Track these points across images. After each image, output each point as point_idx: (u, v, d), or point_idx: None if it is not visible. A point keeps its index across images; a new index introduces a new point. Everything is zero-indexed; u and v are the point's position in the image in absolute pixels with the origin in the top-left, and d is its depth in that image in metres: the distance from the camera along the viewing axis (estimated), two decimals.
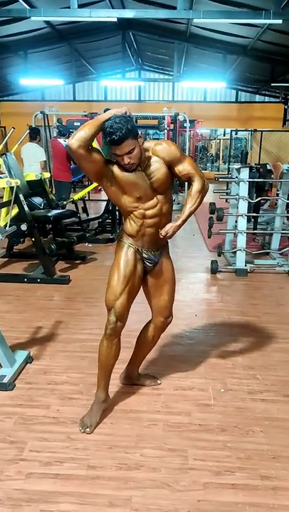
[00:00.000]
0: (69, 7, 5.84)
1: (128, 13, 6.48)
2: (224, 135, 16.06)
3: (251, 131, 12.37)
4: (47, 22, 8.75)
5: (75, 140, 1.78)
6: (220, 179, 5.49)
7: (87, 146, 1.80)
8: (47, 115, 8.81)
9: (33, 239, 4.28)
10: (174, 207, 8.11)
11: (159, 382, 2.43)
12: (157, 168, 1.92)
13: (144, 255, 2.08)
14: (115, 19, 6.50)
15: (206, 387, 2.42)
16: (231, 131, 12.35)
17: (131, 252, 2.05)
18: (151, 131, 13.23)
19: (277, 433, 2.05)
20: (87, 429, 2.03)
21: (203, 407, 2.24)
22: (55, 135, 7.78)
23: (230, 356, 2.77)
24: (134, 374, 2.39)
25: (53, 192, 6.39)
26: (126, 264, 2.03)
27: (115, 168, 1.90)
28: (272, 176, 5.09)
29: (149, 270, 2.13)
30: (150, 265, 2.11)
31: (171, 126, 9.45)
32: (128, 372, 2.38)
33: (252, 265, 4.58)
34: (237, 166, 4.64)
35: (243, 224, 4.51)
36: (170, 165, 1.94)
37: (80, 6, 5.98)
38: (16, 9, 6.92)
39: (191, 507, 1.64)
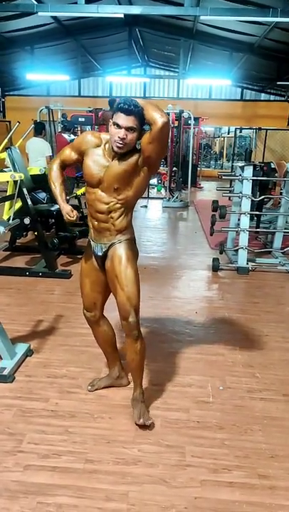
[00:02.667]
0: (76, 3, 5.83)
1: (135, 10, 6.43)
2: (228, 133, 16.00)
3: (256, 129, 12.34)
4: (54, 17, 8.72)
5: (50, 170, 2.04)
6: (223, 177, 5.49)
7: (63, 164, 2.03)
8: (52, 110, 8.81)
9: (36, 233, 4.28)
10: (176, 204, 8.16)
11: (141, 421, 1.98)
12: (124, 166, 1.87)
13: (92, 246, 2.08)
14: (122, 15, 6.47)
15: (205, 384, 2.41)
16: (236, 129, 12.33)
17: (88, 245, 2.12)
18: None
19: (276, 432, 2.05)
20: (89, 387, 2.28)
21: (202, 404, 2.24)
22: (59, 130, 7.77)
23: (230, 354, 2.76)
24: (133, 396, 2.11)
25: None
26: (84, 257, 2.15)
27: (91, 148, 1.93)
28: (276, 174, 5.07)
29: (103, 266, 2.07)
30: (98, 259, 2.06)
31: (176, 124, 9.43)
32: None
33: (253, 264, 4.57)
34: (241, 164, 4.63)
35: (245, 222, 4.50)
36: (143, 155, 1.85)
37: (87, 2, 5.97)
38: (24, 4, 6.89)
39: (188, 504, 1.64)
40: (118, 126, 1.78)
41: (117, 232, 2.00)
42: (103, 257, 2.04)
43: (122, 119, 1.77)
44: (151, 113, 1.77)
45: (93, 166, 1.92)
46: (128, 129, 1.78)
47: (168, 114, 9.05)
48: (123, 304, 1.96)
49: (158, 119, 1.74)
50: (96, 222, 2.00)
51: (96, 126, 9.71)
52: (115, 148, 1.83)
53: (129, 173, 1.89)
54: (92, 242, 2.07)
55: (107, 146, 1.90)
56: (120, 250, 1.99)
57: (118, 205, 1.95)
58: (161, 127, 1.74)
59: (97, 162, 1.91)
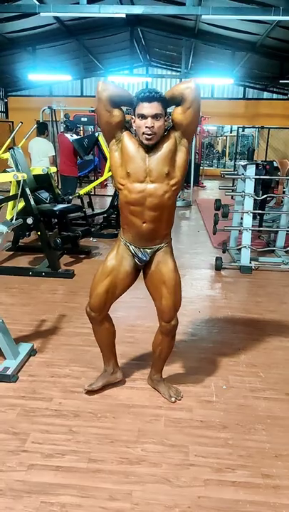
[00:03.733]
0: (78, 3, 5.83)
1: (137, 10, 6.42)
2: (231, 132, 15.98)
3: (258, 128, 12.30)
4: (56, 18, 8.72)
5: (104, 84, 1.79)
6: (226, 176, 5.47)
7: (110, 94, 1.78)
8: (54, 110, 8.81)
9: (39, 233, 4.29)
10: (179, 203, 8.12)
11: (174, 399, 2.21)
12: (165, 149, 1.83)
13: (132, 251, 2.02)
14: (124, 15, 6.47)
15: (208, 383, 2.41)
16: (238, 127, 12.29)
17: (120, 246, 2.04)
18: None
19: (279, 431, 2.05)
20: (86, 386, 2.25)
21: (205, 403, 2.24)
22: (62, 130, 7.78)
23: (233, 353, 2.76)
24: (154, 378, 2.30)
25: (59, 186, 6.39)
26: (111, 257, 2.05)
27: (126, 135, 1.87)
28: (278, 173, 5.05)
29: (144, 270, 2.07)
30: (139, 263, 2.04)
31: None
32: (150, 375, 2.35)
33: (256, 263, 4.56)
34: (243, 162, 4.62)
35: (248, 221, 4.49)
36: (180, 128, 1.84)
37: (89, 2, 5.97)
38: (26, 5, 6.90)
39: (191, 503, 1.64)
40: (143, 116, 1.76)
41: (165, 234, 2.00)
42: (144, 261, 2.03)
43: (146, 107, 1.75)
44: (179, 85, 1.80)
45: (135, 157, 1.84)
46: (154, 116, 1.76)
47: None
48: (169, 308, 2.04)
49: (189, 84, 1.78)
50: (144, 226, 1.91)
51: (98, 128, 9.72)
52: (145, 141, 1.80)
53: (174, 152, 1.86)
54: (131, 247, 2.01)
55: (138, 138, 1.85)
56: (168, 255, 2.04)
57: (173, 194, 1.91)
58: (195, 87, 1.77)
59: (137, 153, 1.84)
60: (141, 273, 2.12)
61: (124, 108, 1.89)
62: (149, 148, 1.84)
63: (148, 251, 2.01)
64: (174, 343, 2.22)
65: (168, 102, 1.81)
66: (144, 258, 2.02)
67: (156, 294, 2.06)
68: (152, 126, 1.76)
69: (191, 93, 1.76)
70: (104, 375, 2.31)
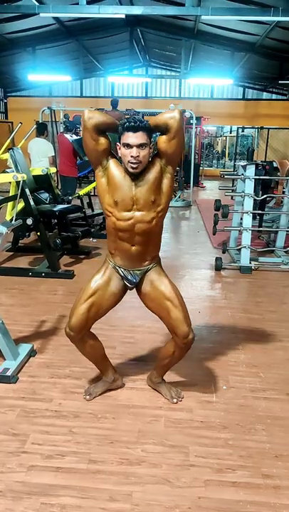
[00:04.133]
0: (78, 3, 5.83)
1: (136, 10, 6.43)
2: (231, 132, 15.99)
3: (258, 128, 12.31)
4: (55, 18, 8.74)
5: (89, 112, 1.80)
6: (226, 176, 5.48)
7: (96, 122, 1.79)
8: (54, 111, 8.82)
9: (39, 233, 4.28)
10: (179, 203, 8.12)
11: (175, 400, 2.21)
12: (151, 177, 1.85)
13: (121, 274, 2.02)
14: (123, 16, 6.48)
15: (209, 384, 2.41)
16: (238, 128, 12.30)
17: (108, 268, 2.04)
18: None
19: (280, 432, 2.04)
20: (87, 397, 2.22)
21: (205, 403, 2.24)
22: (61, 130, 7.79)
23: (233, 353, 2.76)
24: (155, 380, 2.29)
25: (59, 187, 6.39)
26: (97, 277, 2.04)
27: (112, 162, 1.88)
28: (278, 173, 5.06)
29: (139, 292, 2.07)
30: (130, 285, 2.04)
31: None
32: (150, 376, 2.34)
33: (256, 263, 4.56)
34: (243, 163, 4.62)
35: (248, 221, 4.49)
36: (165, 156, 1.86)
37: (89, 3, 5.98)
38: (25, 5, 6.91)
39: (192, 504, 1.64)
40: (128, 145, 1.77)
41: (153, 255, 2.01)
42: (135, 283, 2.03)
43: (131, 137, 1.76)
44: (163, 116, 1.81)
45: (122, 186, 1.86)
46: (139, 146, 1.77)
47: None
48: (182, 323, 2.00)
49: (173, 114, 1.79)
50: (133, 249, 1.94)
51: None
52: (130, 170, 1.81)
53: (159, 180, 1.88)
54: (120, 269, 2.01)
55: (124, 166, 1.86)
56: (161, 274, 2.05)
57: (159, 220, 1.94)
58: (179, 118, 1.78)
59: (123, 181, 1.86)
60: (135, 292, 2.11)
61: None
62: (135, 176, 1.84)
63: (137, 272, 2.02)
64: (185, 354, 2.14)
65: (153, 130, 1.82)
66: (134, 280, 2.03)
67: (163, 312, 2.03)
68: (138, 156, 1.77)
69: (175, 123, 1.78)
70: (105, 383, 2.29)
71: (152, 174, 1.86)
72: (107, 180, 1.89)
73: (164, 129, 1.82)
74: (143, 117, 2.12)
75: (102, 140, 1.85)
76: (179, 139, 1.83)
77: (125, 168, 1.84)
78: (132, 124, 1.76)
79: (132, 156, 1.77)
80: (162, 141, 1.84)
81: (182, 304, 2.03)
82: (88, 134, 1.81)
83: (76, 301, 2.06)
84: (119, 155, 1.85)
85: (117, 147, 1.85)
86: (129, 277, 2.02)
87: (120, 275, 2.03)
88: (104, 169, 1.89)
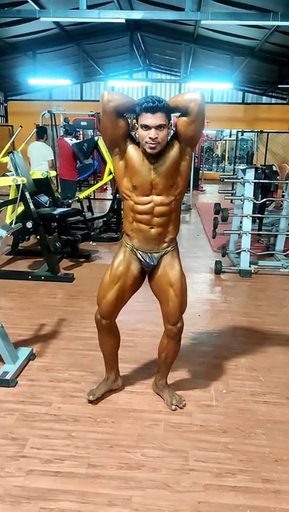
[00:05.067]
0: (78, 8, 5.86)
1: (136, 15, 6.47)
2: (230, 136, 16.03)
3: (257, 132, 12.34)
4: (56, 23, 8.77)
5: (109, 94, 1.73)
6: (225, 180, 5.49)
7: (116, 105, 1.73)
8: (54, 114, 8.84)
9: (38, 237, 4.29)
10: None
11: (174, 407, 2.18)
12: (170, 160, 1.82)
13: (139, 256, 2.01)
14: (123, 20, 6.50)
15: (208, 387, 2.40)
16: (237, 132, 12.32)
17: (126, 252, 2.02)
18: None
19: (280, 436, 2.04)
20: (90, 397, 2.20)
21: (205, 407, 2.23)
22: (61, 134, 7.80)
23: (233, 357, 2.75)
24: (159, 383, 2.28)
25: (59, 190, 6.40)
26: (118, 263, 2.02)
27: (131, 145, 1.84)
28: (277, 177, 5.07)
29: (151, 273, 2.06)
30: (146, 268, 2.04)
31: None
32: (155, 380, 2.34)
33: (256, 266, 4.56)
34: (243, 166, 4.63)
35: (247, 225, 4.50)
36: (184, 138, 1.81)
37: (89, 7, 5.99)
38: (26, 10, 6.95)
39: (191, 508, 1.63)
40: (147, 127, 1.73)
41: (171, 238, 2.00)
42: (152, 266, 2.02)
43: (150, 118, 1.72)
44: (184, 97, 1.76)
45: (141, 170, 1.82)
46: (158, 127, 1.72)
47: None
48: (175, 310, 2.03)
49: (194, 96, 1.74)
50: (152, 230, 1.92)
51: (98, 131, 9.75)
52: (149, 150, 1.76)
53: (178, 162, 1.84)
54: (138, 252, 1.99)
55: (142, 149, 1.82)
56: (175, 259, 2.03)
57: (178, 201, 1.93)
58: (200, 102, 1.73)
59: (142, 166, 1.82)
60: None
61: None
62: (154, 158, 1.81)
63: (155, 255, 2.00)
64: (179, 347, 2.21)
65: (172, 110, 1.78)
66: (152, 263, 2.01)
67: (164, 297, 2.05)
68: (156, 137, 1.73)
69: (195, 107, 1.73)
70: (106, 383, 2.29)
71: (171, 157, 1.82)
72: (125, 164, 1.86)
73: (184, 112, 1.76)
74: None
75: (122, 123, 1.79)
76: (199, 123, 1.79)
77: (143, 150, 1.80)
78: (151, 104, 1.70)
79: (150, 138, 1.73)
80: (181, 123, 1.79)
81: (183, 293, 2.04)
82: (107, 117, 1.75)
83: (101, 289, 2.06)
84: (137, 135, 1.80)
85: (135, 127, 1.81)
86: (147, 260, 2.00)
87: (138, 258, 2.01)
88: (123, 153, 1.85)
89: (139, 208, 1.89)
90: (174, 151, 1.83)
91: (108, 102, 1.72)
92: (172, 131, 1.86)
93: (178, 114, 1.82)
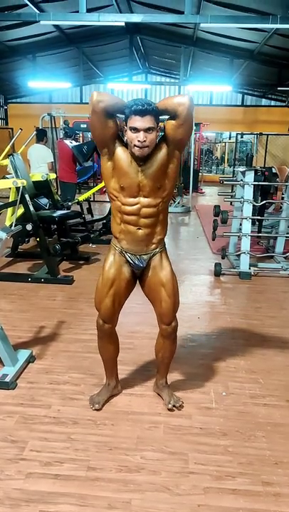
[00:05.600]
0: (78, 11, 5.87)
1: (136, 18, 6.47)
2: (230, 138, 16.06)
3: (257, 134, 12.37)
4: (56, 26, 8.80)
5: (99, 95, 1.72)
6: (225, 182, 5.49)
7: (105, 106, 1.73)
8: (54, 117, 8.86)
9: (38, 239, 4.29)
10: (178, 209, 8.11)
11: (170, 406, 2.18)
12: (157, 163, 1.82)
13: (128, 259, 2.01)
14: (123, 23, 6.52)
15: (208, 390, 2.40)
16: (237, 134, 12.35)
17: (115, 254, 2.03)
18: None
19: (280, 438, 2.03)
20: (96, 405, 2.18)
21: (205, 410, 2.23)
22: (61, 136, 7.82)
23: (233, 359, 2.75)
24: (160, 383, 2.29)
25: (59, 193, 6.41)
26: (109, 266, 2.03)
27: (119, 146, 1.84)
28: (277, 179, 5.07)
29: (141, 275, 2.06)
30: (136, 270, 2.04)
31: None
32: (156, 380, 2.34)
33: (256, 268, 4.56)
34: (242, 169, 4.63)
35: (247, 227, 4.50)
36: (172, 141, 1.81)
37: (89, 11, 6.00)
38: (26, 13, 6.96)
39: (191, 511, 1.62)
40: (135, 129, 1.74)
41: (159, 239, 1.99)
42: (141, 268, 2.03)
43: (139, 121, 1.72)
44: (173, 100, 1.76)
45: (129, 172, 1.83)
46: (147, 130, 1.73)
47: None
48: (169, 310, 2.05)
49: (183, 100, 1.74)
50: (140, 232, 1.92)
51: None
52: (137, 153, 1.77)
53: (166, 165, 1.85)
54: (127, 254, 2.00)
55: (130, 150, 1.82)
56: (164, 259, 2.04)
57: (165, 203, 1.94)
58: (188, 105, 1.74)
59: (130, 168, 1.82)
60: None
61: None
62: (142, 160, 1.82)
63: (144, 257, 2.01)
64: (175, 347, 2.21)
65: (160, 113, 1.79)
66: (141, 265, 2.02)
67: (156, 298, 2.06)
68: (144, 140, 1.74)
69: (184, 111, 1.74)
70: (108, 389, 2.28)
71: (159, 159, 1.83)
72: (113, 165, 1.86)
73: (172, 115, 1.77)
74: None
75: (111, 123, 1.79)
76: (188, 126, 1.80)
77: (132, 152, 1.80)
78: (140, 107, 1.71)
79: (138, 141, 1.74)
80: (170, 127, 1.80)
81: (175, 293, 2.06)
82: (96, 117, 1.76)
83: (97, 294, 2.07)
84: (126, 137, 1.81)
85: (124, 129, 1.82)
86: (136, 262, 2.01)
87: (127, 260, 2.02)
88: (111, 153, 1.85)
89: (127, 208, 1.90)
90: (162, 154, 1.84)
91: (98, 102, 1.72)
92: (160, 134, 1.87)
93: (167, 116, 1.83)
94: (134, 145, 1.76)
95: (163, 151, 1.84)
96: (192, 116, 1.78)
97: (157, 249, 2.02)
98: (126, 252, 2.00)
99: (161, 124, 1.84)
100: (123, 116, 1.81)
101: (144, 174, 1.83)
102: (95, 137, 1.87)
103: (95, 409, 2.18)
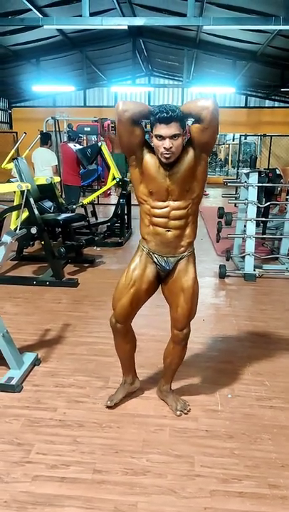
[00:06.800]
0: (81, 15, 5.91)
1: (138, 21, 6.50)
2: (233, 140, 16.05)
3: (260, 136, 12.35)
4: (59, 30, 8.85)
5: (124, 104, 1.74)
6: (229, 184, 5.48)
7: (131, 115, 1.74)
8: (58, 121, 8.91)
9: (43, 242, 4.30)
10: None
11: (179, 413, 2.17)
12: (185, 167, 1.82)
13: (155, 260, 2.01)
14: (126, 27, 6.55)
15: (214, 392, 2.39)
16: (240, 136, 12.34)
17: (142, 255, 2.02)
18: None
19: (286, 441, 2.02)
20: (108, 402, 2.21)
21: (211, 412, 2.22)
22: (65, 140, 7.86)
23: (238, 362, 2.74)
24: (163, 389, 2.28)
25: (63, 196, 6.43)
26: (134, 266, 2.02)
27: (147, 153, 1.85)
28: (281, 180, 5.06)
29: (165, 278, 2.05)
30: (162, 272, 2.03)
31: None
32: (159, 386, 2.33)
33: (260, 270, 4.55)
34: (246, 170, 4.63)
35: (251, 229, 4.49)
36: (198, 144, 1.81)
37: (92, 15, 6.04)
38: (29, 18, 7.02)
39: None
40: (161, 137, 1.74)
41: (188, 242, 1.99)
42: (168, 271, 2.02)
43: (164, 128, 1.72)
44: (196, 104, 1.75)
45: (157, 178, 1.83)
46: (172, 137, 1.73)
47: None
48: (184, 316, 2.03)
49: (206, 103, 1.72)
50: (169, 233, 1.92)
51: (101, 137, 9.81)
52: (164, 160, 1.78)
53: (193, 168, 1.85)
54: (154, 256, 1.99)
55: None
56: (190, 264, 2.02)
57: (195, 204, 1.94)
58: (212, 110, 1.72)
59: (158, 173, 1.83)
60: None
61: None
62: (170, 166, 1.82)
63: (171, 259, 2.00)
64: (185, 353, 2.20)
65: (185, 116, 1.78)
66: (168, 267, 2.01)
67: (174, 302, 2.05)
68: (171, 147, 1.74)
69: (208, 115, 1.71)
70: (124, 387, 2.29)
71: (186, 163, 1.83)
72: (141, 171, 1.87)
73: (197, 118, 1.75)
74: (146, 126, 2.07)
75: (138, 131, 1.80)
76: (213, 130, 1.78)
77: (159, 158, 1.81)
78: (165, 115, 1.71)
79: (164, 148, 1.74)
80: (195, 130, 1.79)
81: (194, 301, 2.03)
82: (123, 127, 1.76)
83: (117, 292, 2.06)
84: (152, 144, 1.82)
85: (150, 136, 1.82)
86: (163, 264, 2.00)
87: (154, 261, 2.01)
88: (139, 160, 1.86)
89: (156, 211, 1.91)
90: (189, 157, 1.84)
91: (124, 112, 1.73)
92: (187, 137, 1.86)
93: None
94: (161, 153, 1.77)
95: (190, 155, 1.84)
96: (217, 119, 1.77)
97: (185, 253, 2.00)
98: (153, 253, 2.00)
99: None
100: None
101: (172, 179, 1.84)
102: (122, 146, 1.87)
103: (106, 406, 2.20)
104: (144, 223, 1.98)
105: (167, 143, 1.74)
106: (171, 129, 1.73)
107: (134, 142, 1.82)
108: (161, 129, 1.73)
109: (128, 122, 1.76)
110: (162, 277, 2.06)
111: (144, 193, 1.91)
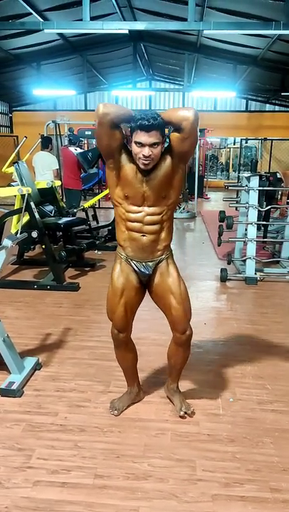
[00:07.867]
0: (81, 19, 5.95)
1: (139, 26, 6.54)
2: (234, 144, 16.09)
3: (261, 139, 12.38)
4: (60, 34, 8.92)
5: (105, 107, 1.71)
6: (230, 187, 5.50)
7: (112, 118, 1.72)
8: (58, 124, 8.94)
9: (44, 246, 4.31)
10: (183, 215, 8.10)
11: (182, 413, 2.17)
12: (162, 174, 1.83)
13: (133, 266, 2.00)
14: (127, 31, 6.59)
15: (215, 396, 2.39)
16: (241, 139, 12.37)
17: (121, 263, 2.02)
18: None
19: (288, 444, 2.01)
20: (115, 411, 2.19)
21: (212, 416, 2.21)
22: (66, 144, 7.88)
23: (239, 365, 2.74)
24: (170, 387, 2.28)
25: (64, 200, 6.45)
26: (117, 275, 2.02)
27: (125, 157, 1.84)
28: (282, 184, 5.07)
29: (148, 283, 2.05)
30: (142, 278, 2.03)
31: None
32: (167, 384, 2.33)
33: (262, 274, 4.55)
34: (247, 174, 4.64)
35: (252, 232, 4.49)
36: (177, 153, 1.81)
37: (93, 19, 6.07)
38: (30, 22, 7.08)
39: None
40: (141, 144, 1.74)
41: (164, 245, 1.99)
42: (148, 275, 2.02)
43: (144, 136, 1.72)
44: (178, 113, 1.75)
45: (133, 182, 1.84)
46: (152, 145, 1.73)
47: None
48: (181, 318, 2.02)
49: (188, 114, 1.72)
50: (144, 238, 1.92)
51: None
52: (142, 166, 1.78)
53: (171, 176, 1.86)
54: (132, 262, 1.99)
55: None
56: (171, 266, 2.02)
57: (170, 211, 1.94)
58: (193, 120, 1.72)
59: (135, 178, 1.83)
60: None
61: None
62: (147, 172, 1.83)
63: (150, 264, 2.00)
64: (189, 353, 2.19)
65: (166, 124, 1.78)
66: (147, 272, 2.01)
67: (166, 306, 2.04)
68: (150, 155, 1.74)
69: (188, 125, 1.72)
70: (130, 396, 2.27)
71: (163, 170, 1.83)
72: (118, 174, 1.87)
73: (177, 128, 1.76)
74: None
75: (117, 135, 1.79)
76: (192, 141, 1.79)
77: (136, 163, 1.81)
78: (146, 123, 1.70)
79: (143, 155, 1.74)
80: (175, 139, 1.79)
81: (185, 300, 2.03)
82: (103, 129, 1.74)
83: (109, 304, 2.06)
84: (131, 149, 1.81)
85: (128, 141, 1.82)
86: (142, 269, 2.00)
87: (133, 268, 2.01)
88: (117, 163, 1.84)
89: (130, 216, 1.90)
90: (167, 165, 1.84)
91: (104, 114, 1.71)
92: (164, 147, 1.86)
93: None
94: (139, 158, 1.77)
95: (168, 162, 1.84)
96: (196, 130, 1.78)
97: (163, 256, 2.01)
98: (131, 260, 2.00)
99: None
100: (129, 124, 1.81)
101: (149, 185, 1.84)
102: (101, 148, 1.86)
103: (115, 415, 2.19)
104: (120, 229, 1.98)
105: (146, 150, 1.74)
106: (152, 137, 1.73)
107: (113, 145, 1.81)
108: (142, 137, 1.73)
109: (108, 125, 1.73)
110: (144, 283, 2.06)
111: (119, 196, 1.90)
